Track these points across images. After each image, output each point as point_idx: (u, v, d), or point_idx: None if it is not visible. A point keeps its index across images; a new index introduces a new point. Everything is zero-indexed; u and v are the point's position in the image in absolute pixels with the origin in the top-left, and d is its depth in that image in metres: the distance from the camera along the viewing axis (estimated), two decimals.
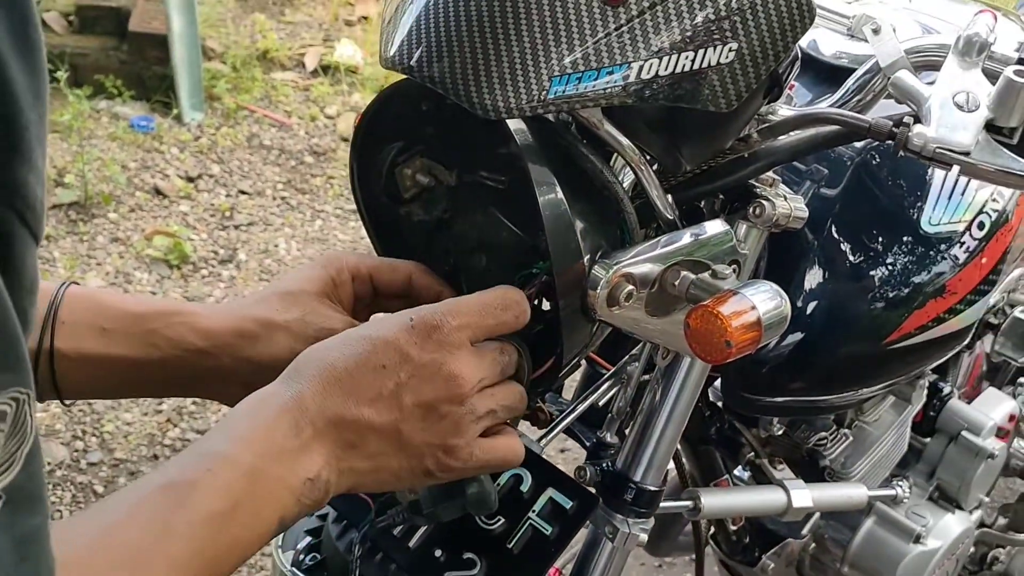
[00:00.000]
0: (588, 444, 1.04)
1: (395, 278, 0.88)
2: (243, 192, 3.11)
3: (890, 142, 0.81)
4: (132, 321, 0.80)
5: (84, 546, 0.57)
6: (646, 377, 1.00)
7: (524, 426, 0.96)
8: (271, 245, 2.93)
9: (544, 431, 0.95)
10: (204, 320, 0.81)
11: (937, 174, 1.09)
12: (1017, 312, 1.48)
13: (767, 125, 0.86)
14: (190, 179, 3.09)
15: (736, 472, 1.32)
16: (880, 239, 1.07)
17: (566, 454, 2.27)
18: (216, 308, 0.83)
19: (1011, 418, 1.59)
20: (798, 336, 1.07)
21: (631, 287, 0.78)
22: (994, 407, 1.56)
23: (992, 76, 0.81)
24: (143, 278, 2.70)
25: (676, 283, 0.81)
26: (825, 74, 1.11)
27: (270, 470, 0.65)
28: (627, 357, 1.00)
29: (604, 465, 0.98)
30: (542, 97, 0.71)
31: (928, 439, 1.52)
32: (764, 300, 0.77)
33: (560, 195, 0.77)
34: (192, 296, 2.69)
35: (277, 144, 3.34)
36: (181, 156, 3.16)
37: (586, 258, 0.79)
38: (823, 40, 1.13)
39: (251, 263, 2.85)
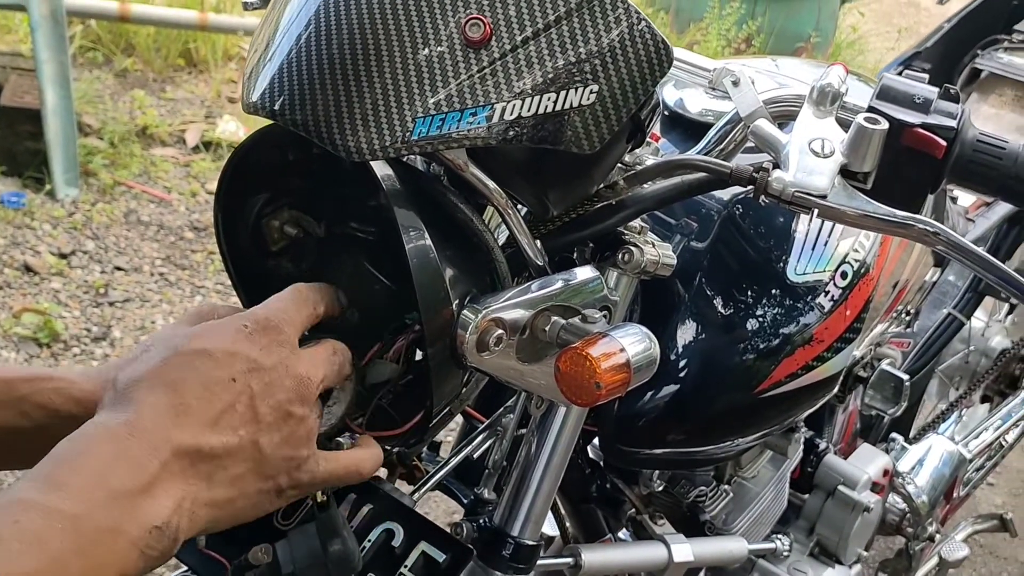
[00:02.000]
0: (465, 501, 1.02)
1: None
2: (119, 268, 3.02)
3: (751, 187, 0.83)
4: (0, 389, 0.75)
5: None
6: (522, 431, 0.99)
7: (397, 483, 0.94)
8: (148, 322, 2.84)
9: (416, 487, 0.93)
10: (76, 386, 0.76)
11: (801, 225, 1.12)
12: (884, 365, 1.53)
13: (633, 172, 0.87)
14: (63, 256, 3.00)
15: (621, 534, 1.32)
16: (749, 290, 1.09)
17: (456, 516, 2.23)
18: (89, 372, 0.78)
19: (885, 473, 1.62)
20: (672, 388, 1.08)
21: (501, 331, 0.78)
22: (869, 462, 1.59)
23: (845, 124, 0.84)
24: (10, 357, 2.58)
25: (547, 328, 0.81)
26: (692, 131, 1.14)
27: (100, 519, 0.57)
28: (501, 409, 0.99)
29: (481, 521, 0.96)
30: (406, 138, 0.71)
31: (807, 495, 1.54)
32: (633, 342, 0.78)
33: (428, 241, 0.76)
34: None
35: (156, 220, 3.26)
36: (54, 232, 3.07)
37: (455, 304, 0.78)
38: (689, 98, 1.16)
39: (126, 340, 2.76)
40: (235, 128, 3.72)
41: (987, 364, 2.16)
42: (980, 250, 0.82)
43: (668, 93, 1.18)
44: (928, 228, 0.81)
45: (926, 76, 0.87)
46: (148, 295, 2.96)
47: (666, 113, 1.17)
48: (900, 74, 1.96)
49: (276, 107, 0.73)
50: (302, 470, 0.70)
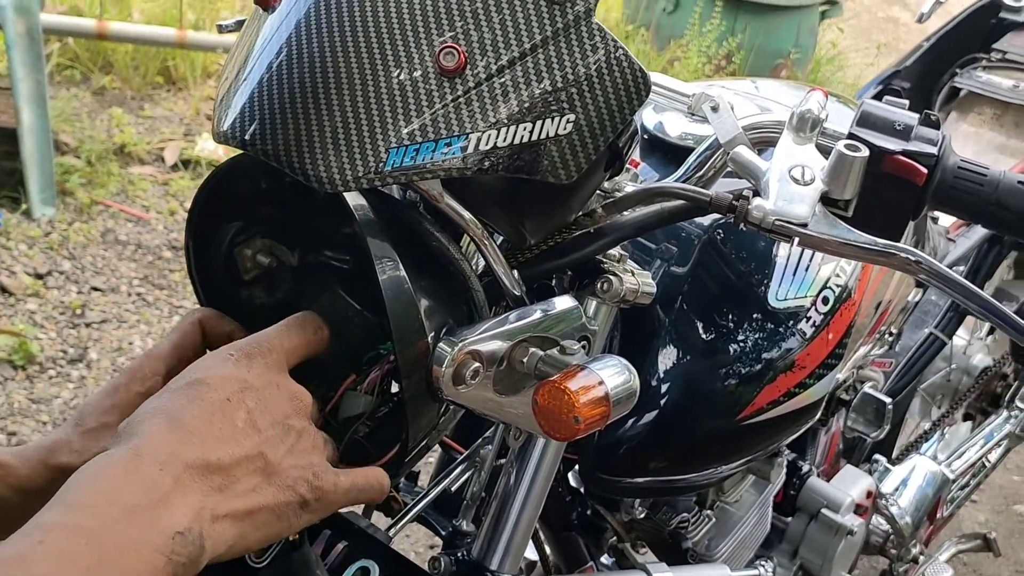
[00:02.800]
0: (444, 533, 1.01)
1: None
2: (96, 289, 2.99)
3: (731, 215, 0.82)
4: None
5: None
6: (501, 461, 0.97)
7: (375, 515, 0.92)
8: (125, 343, 2.81)
9: (394, 519, 0.91)
10: (11, 471, 0.74)
11: (782, 250, 1.11)
12: (866, 388, 1.52)
13: (612, 200, 0.86)
14: (39, 276, 2.96)
15: (603, 559, 1.30)
16: (730, 315, 1.08)
17: (435, 549, 2.21)
18: (25, 453, 0.76)
19: (868, 494, 1.61)
20: (653, 414, 1.07)
21: (477, 364, 0.76)
22: (852, 484, 1.58)
23: (825, 151, 0.83)
24: None
25: (524, 360, 0.79)
26: (672, 155, 1.13)
27: (121, 531, 0.58)
28: (480, 440, 0.98)
29: (459, 555, 0.95)
30: (380, 169, 0.70)
31: (790, 518, 1.53)
32: (612, 375, 0.76)
33: (402, 271, 0.75)
34: (39, 398, 2.55)
35: (134, 239, 3.23)
36: (30, 252, 3.03)
37: (430, 336, 0.76)
38: (669, 122, 1.15)
39: (103, 362, 2.73)
40: (214, 146, 3.70)
41: (969, 382, 2.16)
42: (961, 279, 0.81)
43: (648, 117, 1.17)
44: (909, 257, 0.80)
45: (906, 102, 0.86)
46: (126, 316, 2.93)
47: (646, 137, 1.16)
48: (879, 93, 1.97)
49: (247, 137, 0.72)
50: (320, 479, 0.71)
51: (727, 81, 1.37)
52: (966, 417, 2.27)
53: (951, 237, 1.89)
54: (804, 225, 0.80)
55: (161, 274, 3.12)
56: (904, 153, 0.81)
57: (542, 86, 0.71)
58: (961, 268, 1.95)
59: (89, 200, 3.31)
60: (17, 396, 2.53)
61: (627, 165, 0.87)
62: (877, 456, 1.79)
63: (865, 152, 0.80)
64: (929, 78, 2.19)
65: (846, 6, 6.21)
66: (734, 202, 0.82)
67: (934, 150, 0.82)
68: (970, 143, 2.09)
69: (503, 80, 0.70)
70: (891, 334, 1.66)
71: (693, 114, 0.93)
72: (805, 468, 1.50)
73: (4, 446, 2.41)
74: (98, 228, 3.24)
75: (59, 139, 3.47)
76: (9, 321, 2.76)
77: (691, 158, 0.94)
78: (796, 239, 0.80)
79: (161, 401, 0.68)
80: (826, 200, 0.82)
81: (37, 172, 3.15)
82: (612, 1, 5.76)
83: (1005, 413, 2.18)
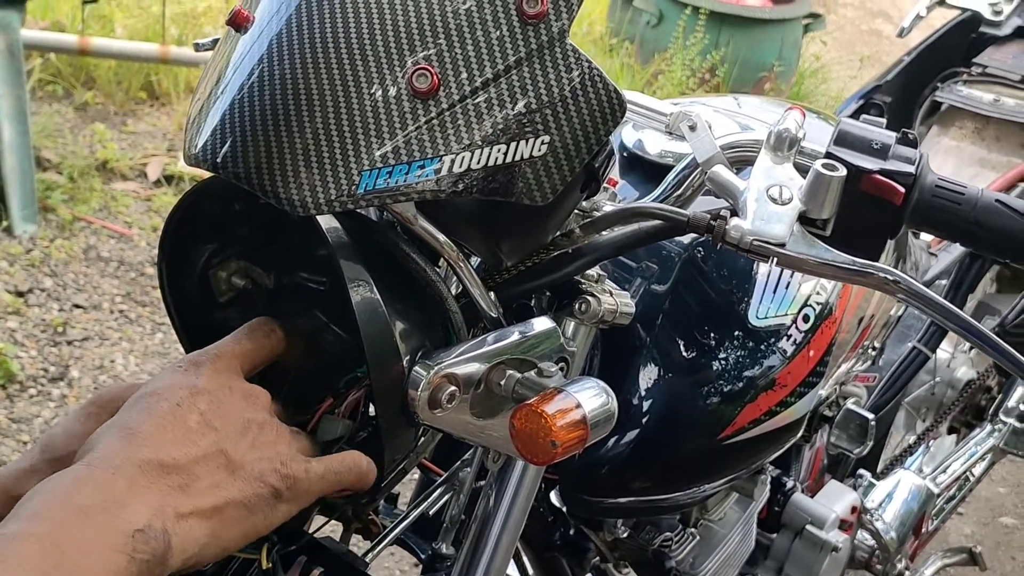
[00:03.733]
0: (423, 556, 1.00)
1: None
2: (78, 306, 2.97)
3: (709, 235, 0.81)
4: None
5: None
6: (481, 482, 0.96)
7: (354, 539, 0.91)
8: (107, 360, 2.79)
9: (373, 543, 0.90)
10: None
11: (762, 268, 1.10)
12: (849, 404, 1.51)
13: (589, 220, 0.86)
14: (19, 294, 2.94)
15: None
16: (710, 334, 1.07)
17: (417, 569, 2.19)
18: None
19: (853, 510, 1.61)
20: (635, 434, 1.06)
21: (454, 388, 0.75)
22: (836, 500, 1.58)
23: (803, 170, 0.83)
24: None
25: (502, 382, 0.79)
26: (651, 172, 1.13)
27: (78, 535, 0.58)
28: (458, 463, 0.97)
29: None
30: (352, 192, 0.69)
31: (775, 535, 1.52)
32: (590, 398, 0.76)
33: (375, 294, 0.74)
34: (19, 417, 2.52)
35: (116, 256, 3.22)
36: (10, 270, 3.01)
37: (406, 359, 0.76)
38: (648, 139, 1.15)
39: (85, 380, 2.71)
40: None
41: (953, 395, 2.16)
42: (939, 299, 0.81)
43: (627, 134, 1.16)
44: (888, 276, 0.80)
45: (884, 121, 0.86)
46: (108, 333, 2.91)
47: (625, 155, 1.16)
48: (860, 108, 1.96)
49: (218, 159, 0.71)
50: (289, 467, 0.70)
51: (709, 98, 1.37)
52: (951, 430, 2.26)
53: (933, 251, 1.89)
54: (782, 245, 0.80)
55: (144, 291, 3.10)
56: (882, 172, 0.81)
57: (516, 108, 0.70)
58: (943, 282, 1.95)
59: (71, 216, 3.29)
60: None
61: (605, 184, 0.86)
62: (862, 471, 1.78)
63: (843, 171, 0.80)
64: (910, 92, 2.20)
65: (829, 19, 6.24)
66: (712, 222, 0.81)
67: (912, 169, 0.82)
68: (951, 157, 2.09)
69: (477, 102, 0.70)
70: (874, 348, 1.66)
71: (671, 133, 0.92)
72: (789, 484, 1.49)
73: None
74: (80, 245, 3.22)
75: (41, 155, 3.45)
76: None
77: (669, 177, 0.93)
78: (774, 259, 0.80)
79: (115, 418, 0.68)
80: (804, 219, 0.81)
81: (18, 189, 3.12)
82: (596, 14, 5.77)
83: (989, 426, 2.18)
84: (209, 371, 0.72)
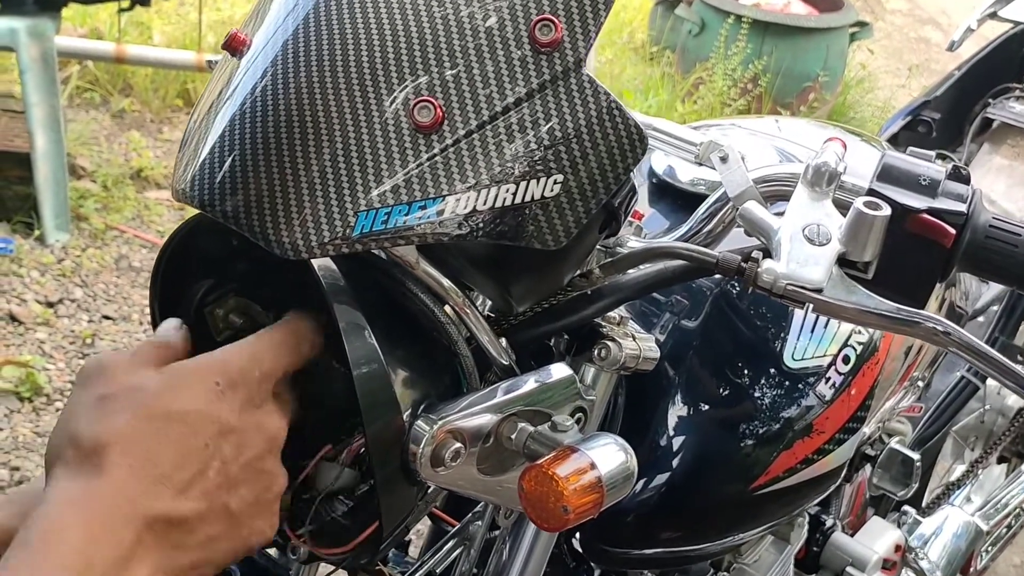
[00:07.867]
0: None
1: None
2: (107, 317, 2.95)
3: (739, 278, 0.75)
4: None
5: None
6: (494, 533, 0.90)
7: None
8: None
9: None
10: None
11: None
12: (893, 443, 1.43)
13: (610, 260, 0.79)
14: (50, 304, 2.92)
15: None
16: (743, 374, 1.00)
17: None
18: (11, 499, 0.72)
19: (897, 548, 1.53)
20: (663, 479, 0.99)
21: (459, 445, 0.70)
22: (879, 538, 1.49)
23: (843, 207, 0.76)
24: None
25: (513, 436, 0.73)
26: (682, 201, 1.06)
27: None
28: (470, 516, 0.91)
29: None
30: (347, 234, 0.64)
31: None
32: (606, 456, 0.70)
33: (372, 341, 0.68)
34: (45, 431, 2.50)
35: (148, 266, 3.19)
36: (42, 280, 3.00)
37: (406, 413, 0.70)
38: (680, 166, 1.08)
39: None
40: None
41: (1004, 424, 2.06)
42: (995, 353, 0.73)
43: (656, 160, 1.10)
44: (937, 327, 0.73)
45: (932, 153, 0.79)
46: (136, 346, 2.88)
47: (654, 181, 1.09)
48: (907, 125, 1.87)
49: (205, 197, 0.66)
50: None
51: (748, 120, 1.30)
52: (1000, 460, 2.17)
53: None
54: (819, 290, 0.73)
55: None
56: (930, 211, 0.74)
57: (527, 144, 0.64)
58: (995, 308, 1.86)
59: (104, 225, 3.28)
60: (22, 429, 2.48)
61: (629, 219, 0.80)
62: (906, 507, 1.70)
63: (887, 210, 0.73)
64: (960, 108, 2.11)
65: (877, 26, 6.11)
66: (742, 264, 0.75)
67: (963, 207, 0.74)
68: (1003, 176, 2.00)
69: (483, 137, 0.64)
70: (922, 379, 1.58)
71: (701, 163, 0.86)
72: (829, 523, 1.42)
73: (6, 483, 2.37)
74: (112, 254, 3.20)
75: (76, 163, 3.44)
76: (17, 351, 2.72)
77: (699, 211, 0.87)
78: (810, 306, 0.73)
79: (134, 430, 0.63)
80: (843, 262, 0.74)
81: (51, 197, 3.11)
82: (637, 22, 5.69)
83: None
84: (243, 401, 0.66)
